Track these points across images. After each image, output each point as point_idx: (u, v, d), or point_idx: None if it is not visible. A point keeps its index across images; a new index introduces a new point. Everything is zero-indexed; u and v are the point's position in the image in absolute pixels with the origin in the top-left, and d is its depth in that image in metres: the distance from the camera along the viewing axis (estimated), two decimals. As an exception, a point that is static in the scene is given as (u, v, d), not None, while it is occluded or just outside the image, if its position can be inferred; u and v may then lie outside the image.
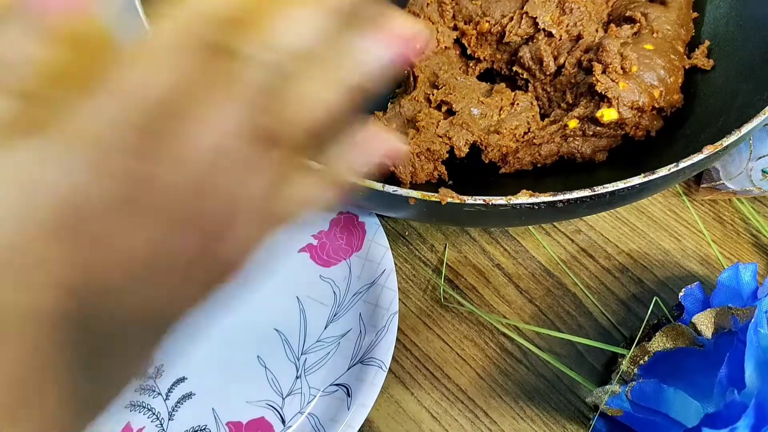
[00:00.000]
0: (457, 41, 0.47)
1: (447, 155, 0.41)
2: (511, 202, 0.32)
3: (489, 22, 0.45)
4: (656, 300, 0.41)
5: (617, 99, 0.40)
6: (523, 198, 0.32)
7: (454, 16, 0.46)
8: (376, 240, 0.44)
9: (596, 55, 0.41)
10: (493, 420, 0.41)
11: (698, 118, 0.42)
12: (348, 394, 0.39)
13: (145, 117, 0.16)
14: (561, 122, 0.42)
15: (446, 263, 0.46)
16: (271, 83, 0.18)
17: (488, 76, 0.48)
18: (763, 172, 0.44)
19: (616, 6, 0.46)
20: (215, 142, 0.17)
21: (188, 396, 0.40)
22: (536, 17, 0.43)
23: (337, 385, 0.40)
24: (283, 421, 0.39)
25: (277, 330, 0.42)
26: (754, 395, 0.29)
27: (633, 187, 0.33)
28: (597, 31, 0.43)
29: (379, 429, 0.40)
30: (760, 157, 0.44)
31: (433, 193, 0.33)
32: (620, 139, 0.42)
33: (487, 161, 0.43)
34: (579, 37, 0.43)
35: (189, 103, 0.17)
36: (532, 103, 0.43)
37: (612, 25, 0.43)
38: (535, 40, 0.44)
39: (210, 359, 0.40)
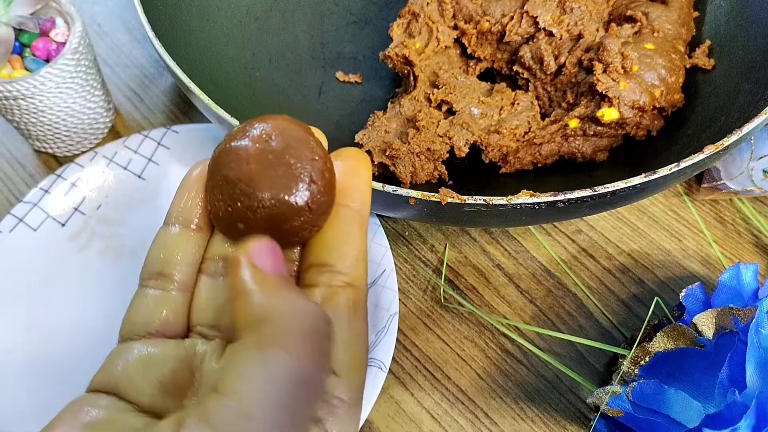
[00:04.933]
0: (458, 41, 0.47)
1: (447, 155, 0.41)
2: (512, 202, 0.32)
3: (489, 21, 0.45)
4: (657, 300, 0.41)
5: (618, 98, 0.40)
6: (524, 198, 0.32)
7: (454, 16, 0.46)
8: (376, 240, 0.44)
9: (597, 54, 0.41)
10: (494, 421, 0.41)
11: (699, 117, 0.42)
12: (348, 395, 0.39)
13: None
14: (562, 122, 0.42)
15: (446, 263, 0.46)
16: None
17: (488, 75, 0.48)
18: (764, 171, 0.44)
19: (617, 5, 0.45)
20: None
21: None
22: (537, 16, 0.43)
23: (336, 385, 0.40)
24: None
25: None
26: (755, 396, 0.29)
27: (634, 186, 0.32)
28: (598, 30, 0.43)
29: (379, 430, 0.40)
30: (761, 157, 0.44)
31: (433, 193, 0.33)
32: (621, 138, 0.42)
33: (487, 161, 0.42)
34: (580, 36, 0.43)
35: None
36: (532, 103, 0.43)
37: (613, 24, 0.43)
38: (535, 40, 0.44)
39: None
